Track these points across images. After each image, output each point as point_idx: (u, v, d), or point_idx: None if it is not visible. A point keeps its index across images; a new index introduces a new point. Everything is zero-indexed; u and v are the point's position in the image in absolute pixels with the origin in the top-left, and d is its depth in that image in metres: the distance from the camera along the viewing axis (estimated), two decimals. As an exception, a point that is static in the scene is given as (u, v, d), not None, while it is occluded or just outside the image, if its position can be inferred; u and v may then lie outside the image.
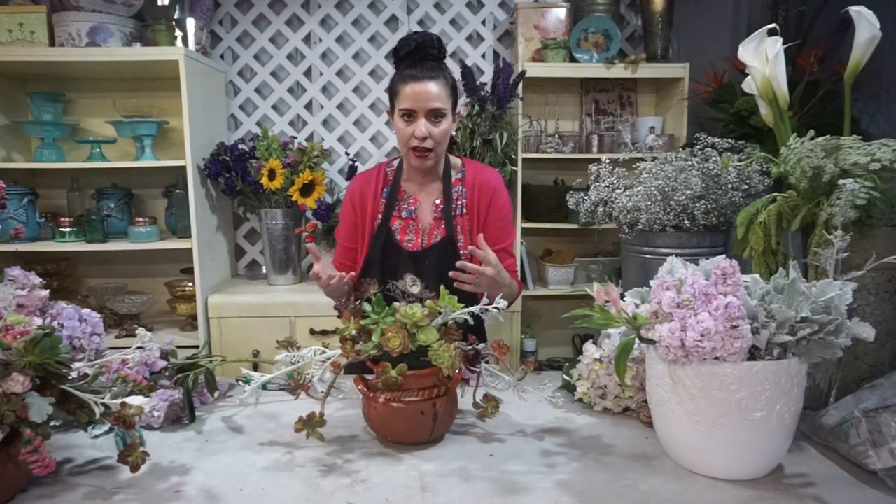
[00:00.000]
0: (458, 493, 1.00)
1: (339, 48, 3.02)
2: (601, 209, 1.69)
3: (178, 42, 2.59)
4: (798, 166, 1.21)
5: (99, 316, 1.21)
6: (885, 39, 1.30)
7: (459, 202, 1.69)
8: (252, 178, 2.67)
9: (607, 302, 1.06)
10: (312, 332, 2.59)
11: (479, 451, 1.15)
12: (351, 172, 2.86)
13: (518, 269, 1.78)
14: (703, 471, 1.04)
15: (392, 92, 1.61)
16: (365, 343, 1.17)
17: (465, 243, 1.67)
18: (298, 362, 1.23)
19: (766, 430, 0.99)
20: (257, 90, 3.04)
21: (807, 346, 0.99)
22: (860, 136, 1.20)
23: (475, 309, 1.22)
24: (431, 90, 1.54)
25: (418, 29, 3.00)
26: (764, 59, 1.33)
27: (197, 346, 2.54)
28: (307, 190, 2.67)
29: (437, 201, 1.69)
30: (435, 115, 1.56)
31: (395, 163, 1.75)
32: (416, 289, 1.62)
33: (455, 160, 1.75)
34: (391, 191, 1.70)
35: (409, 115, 1.56)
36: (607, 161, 1.70)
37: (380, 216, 1.69)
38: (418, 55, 1.57)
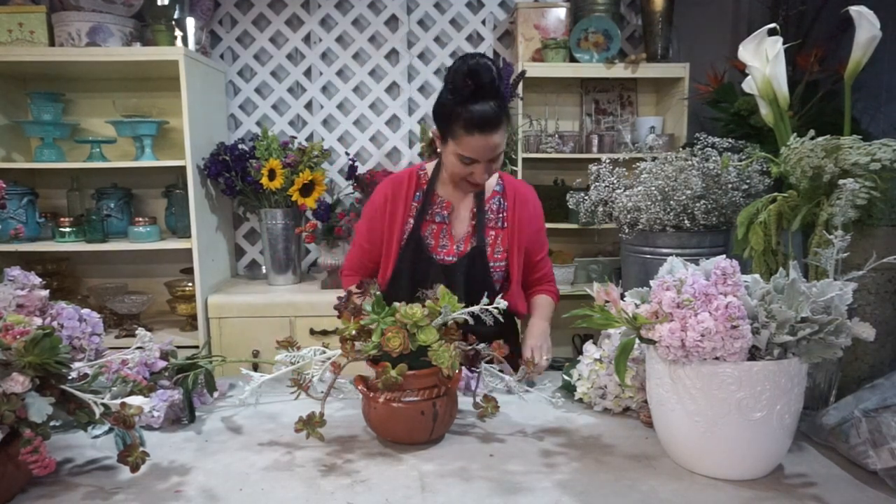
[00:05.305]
0: (458, 493, 1.00)
1: (339, 48, 3.02)
2: (601, 209, 1.68)
3: (178, 42, 2.59)
4: (798, 166, 1.21)
5: (99, 316, 1.21)
6: (885, 39, 1.30)
7: (500, 215, 1.66)
8: (252, 178, 2.67)
9: (607, 302, 1.06)
10: (312, 332, 2.59)
11: (479, 451, 1.15)
12: (351, 172, 2.86)
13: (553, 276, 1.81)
14: (703, 471, 1.04)
15: (447, 124, 1.48)
16: (365, 343, 1.17)
17: (502, 255, 1.65)
18: (298, 362, 1.23)
19: (766, 430, 0.99)
20: (257, 90, 3.04)
21: (807, 346, 0.98)
22: (860, 136, 1.20)
23: (475, 309, 1.22)
24: (496, 141, 1.46)
25: (418, 29, 3.00)
26: (764, 59, 1.33)
27: (197, 347, 2.54)
28: (307, 190, 2.67)
29: (475, 209, 1.65)
30: (495, 158, 1.51)
31: (429, 166, 1.70)
32: None
33: None
34: (425, 195, 1.65)
35: (469, 160, 1.49)
36: (607, 161, 1.70)
37: (411, 221, 1.64)
38: (481, 94, 1.43)
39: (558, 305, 1.79)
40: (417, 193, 1.65)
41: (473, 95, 1.42)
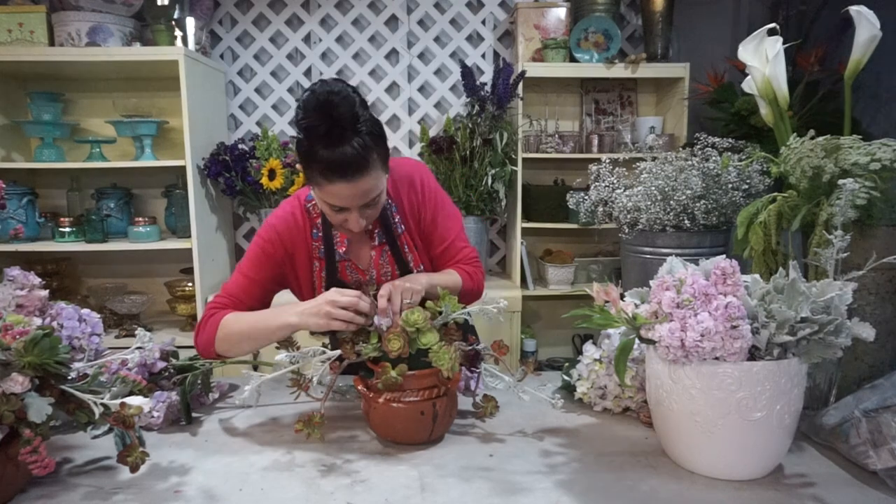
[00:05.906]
0: (458, 493, 1.00)
1: (339, 48, 3.02)
2: (601, 209, 1.69)
3: (178, 42, 2.59)
4: (798, 166, 1.21)
5: (99, 316, 1.21)
6: (885, 39, 1.30)
7: (396, 219, 1.42)
8: (252, 178, 2.67)
9: (607, 302, 1.06)
10: (312, 332, 2.59)
11: (479, 451, 1.15)
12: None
13: (476, 255, 1.48)
14: (703, 471, 1.04)
15: (306, 167, 1.21)
16: (364, 344, 1.17)
17: (416, 262, 1.43)
18: (298, 362, 1.23)
19: (766, 431, 0.99)
20: (257, 90, 3.04)
21: (807, 346, 0.98)
22: (860, 136, 1.20)
23: (475, 308, 1.22)
24: (364, 187, 1.20)
25: (418, 29, 3.00)
26: (764, 59, 1.33)
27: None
28: (307, 190, 2.67)
29: (375, 228, 1.41)
30: (370, 203, 1.26)
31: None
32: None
33: None
34: (325, 232, 1.40)
35: (339, 209, 1.25)
36: (607, 161, 1.70)
37: (317, 263, 1.42)
38: (338, 133, 1.16)
39: (479, 290, 1.47)
40: (314, 231, 1.40)
41: (329, 135, 1.15)
